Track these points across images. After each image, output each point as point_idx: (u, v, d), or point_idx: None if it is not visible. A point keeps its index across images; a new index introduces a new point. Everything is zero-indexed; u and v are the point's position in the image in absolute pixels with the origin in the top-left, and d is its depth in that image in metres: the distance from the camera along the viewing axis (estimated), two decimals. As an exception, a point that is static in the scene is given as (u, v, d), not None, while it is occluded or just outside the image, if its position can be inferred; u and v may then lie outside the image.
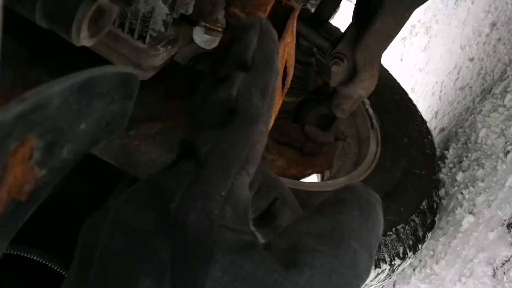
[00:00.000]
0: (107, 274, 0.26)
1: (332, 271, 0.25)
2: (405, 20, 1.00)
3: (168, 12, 0.44)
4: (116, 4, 0.40)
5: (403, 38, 2.44)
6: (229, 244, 0.25)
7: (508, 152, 1.15)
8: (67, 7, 0.41)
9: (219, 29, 0.77)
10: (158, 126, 0.51)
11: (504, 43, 1.46)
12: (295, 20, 0.44)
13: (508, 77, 1.32)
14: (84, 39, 0.42)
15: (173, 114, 0.52)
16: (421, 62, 2.09)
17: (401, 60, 2.30)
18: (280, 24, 0.41)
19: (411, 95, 1.65)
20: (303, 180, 1.34)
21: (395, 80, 1.63)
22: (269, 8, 0.40)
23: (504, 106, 1.26)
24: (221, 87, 0.30)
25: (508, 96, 1.25)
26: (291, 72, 0.46)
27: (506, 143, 1.17)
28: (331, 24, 1.66)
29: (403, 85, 1.65)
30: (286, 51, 0.42)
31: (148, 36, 0.48)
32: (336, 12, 1.40)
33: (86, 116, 0.27)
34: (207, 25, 0.75)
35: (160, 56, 0.48)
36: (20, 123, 0.23)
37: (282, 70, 0.43)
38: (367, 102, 1.49)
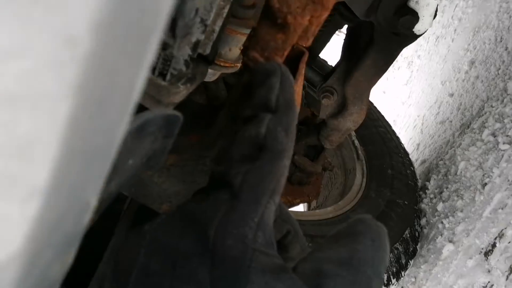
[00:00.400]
0: None
1: None
2: (393, 58, 1.08)
3: (191, 53, 0.48)
4: None
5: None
6: (263, 266, 0.29)
7: (486, 184, 1.21)
8: None
9: (222, 64, 0.83)
10: (173, 158, 0.54)
11: (482, 81, 1.55)
12: (305, 63, 0.49)
13: (485, 113, 1.40)
14: None
15: (187, 147, 0.56)
16: (403, 95, 2.18)
17: (384, 92, 2.39)
18: (291, 67, 0.46)
19: (393, 127, 1.73)
20: (290, 209, 1.39)
21: (380, 112, 1.71)
22: (286, 53, 0.45)
23: (482, 140, 1.33)
24: (251, 125, 0.34)
25: (486, 131, 1.33)
26: (299, 108, 0.51)
27: (483, 175, 1.24)
28: (319, 57, 1.73)
29: (386, 117, 1.73)
30: (297, 91, 0.46)
31: (169, 74, 0.51)
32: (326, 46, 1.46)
33: (135, 153, 0.31)
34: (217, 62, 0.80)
35: (181, 94, 0.51)
36: None
37: None
38: (353, 134, 1.56)
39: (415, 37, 0.96)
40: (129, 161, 0.32)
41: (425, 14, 0.90)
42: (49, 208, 0.17)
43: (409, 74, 2.21)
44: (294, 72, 0.44)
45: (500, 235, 1.07)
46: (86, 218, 0.21)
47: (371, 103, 1.72)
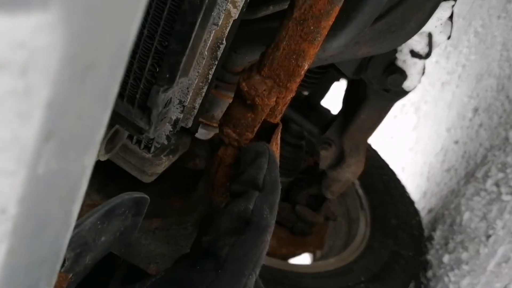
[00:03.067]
0: None
1: None
2: (386, 112, 1.09)
3: (171, 129, 0.52)
4: (130, 132, 0.48)
5: (394, 117, 2.55)
6: None
7: (490, 236, 1.19)
8: None
9: (214, 125, 0.86)
10: (157, 222, 0.58)
11: (485, 129, 1.55)
12: (279, 135, 0.51)
13: (489, 162, 1.39)
14: (101, 156, 0.50)
15: (171, 211, 0.59)
16: (410, 141, 2.17)
17: (392, 138, 2.39)
18: (265, 137, 0.49)
19: (401, 174, 1.72)
20: (292, 260, 1.38)
21: (384, 160, 1.71)
22: (256, 129, 0.48)
23: (486, 190, 1.32)
24: (240, 201, 0.37)
25: (489, 181, 1.32)
26: None
27: (487, 227, 1.22)
28: (321, 105, 1.76)
29: (393, 164, 1.72)
30: None
31: (153, 147, 0.55)
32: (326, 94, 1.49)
33: (106, 232, 0.35)
34: (204, 121, 0.84)
35: (163, 165, 0.55)
36: None
37: None
38: (357, 182, 1.56)
39: (405, 93, 0.98)
40: (102, 238, 0.35)
41: (413, 72, 0.92)
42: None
43: (416, 120, 2.21)
44: (267, 142, 0.47)
45: (504, 291, 1.04)
46: None
47: (376, 151, 1.72)
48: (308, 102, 1.43)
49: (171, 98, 0.46)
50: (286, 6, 0.77)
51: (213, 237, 0.36)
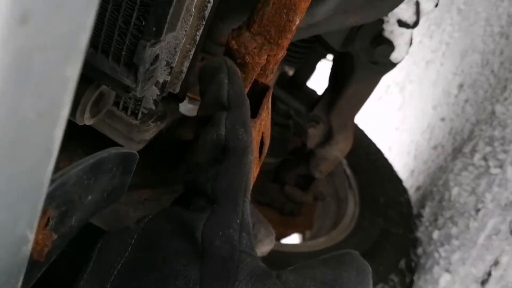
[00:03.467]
0: (130, 285, 0.29)
1: None
2: (374, 85, 1.07)
3: (159, 93, 0.49)
4: (116, 91, 0.45)
5: (379, 98, 2.55)
6: (249, 269, 0.30)
7: (479, 210, 1.19)
8: (75, 93, 0.46)
9: (198, 98, 0.82)
10: (147, 193, 0.55)
11: (471, 104, 1.54)
12: (270, 98, 0.49)
13: (476, 136, 1.39)
14: (86, 120, 0.47)
15: (161, 181, 0.56)
16: (396, 121, 2.17)
17: (378, 119, 2.38)
18: (256, 102, 0.46)
19: (388, 154, 1.71)
20: (282, 241, 1.36)
21: (371, 140, 1.69)
22: (246, 90, 0.45)
23: (474, 165, 1.31)
24: (209, 128, 0.34)
25: (477, 156, 1.31)
26: (267, 142, 0.50)
27: (476, 201, 1.22)
28: (307, 86, 1.74)
29: (380, 144, 1.71)
30: (263, 124, 0.46)
31: (140, 113, 0.52)
32: (313, 74, 1.47)
33: (93, 189, 0.32)
34: (191, 95, 0.81)
35: (151, 131, 0.52)
36: (47, 199, 0.27)
37: (260, 141, 0.47)
38: (345, 162, 1.54)
39: (393, 65, 0.96)
40: (88, 197, 0.32)
41: (400, 43, 0.90)
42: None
43: (402, 100, 2.21)
44: (258, 107, 0.44)
45: (495, 263, 1.04)
46: (26, 250, 0.22)
47: (362, 131, 1.71)
48: (294, 82, 1.40)
49: (158, 54, 0.43)
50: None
51: (194, 175, 0.34)
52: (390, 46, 0.90)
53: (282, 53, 0.45)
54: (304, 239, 1.50)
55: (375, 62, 0.95)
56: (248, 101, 0.37)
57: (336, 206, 1.49)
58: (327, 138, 1.20)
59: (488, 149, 1.28)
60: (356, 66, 1.01)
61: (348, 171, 1.54)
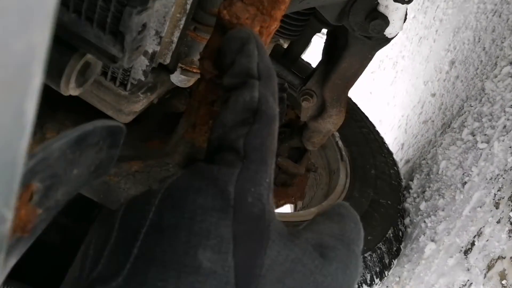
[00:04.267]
0: (157, 248, 0.28)
1: (347, 267, 0.32)
2: (368, 61, 1.09)
3: (148, 64, 0.49)
4: (102, 61, 0.45)
5: (372, 72, 2.56)
6: (278, 228, 0.30)
7: (465, 183, 1.23)
8: (58, 62, 0.46)
9: (194, 70, 0.84)
10: (137, 165, 0.55)
11: (462, 81, 1.57)
12: None
13: (465, 112, 1.42)
14: (72, 90, 0.47)
15: (151, 154, 0.57)
16: (388, 96, 2.19)
17: (371, 93, 2.41)
18: None
19: (379, 128, 1.74)
20: (275, 211, 1.40)
21: (363, 113, 1.72)
22: None
23: (462, 139, 1.35)
24: (243, 91, 0.34)
25: (465, 131, 1.35)
26: None
27: (463, 174, 1.26)
28: (302, 59, 1.75)
29: (372, 118, 1.74)
30: None
31: (129, 84, 0.52)
32: (307, 48, 1.48)
33: (78, 163, 0.32)
34: (183, 66, 0.82)
35: (140, 103, 0.52)
36: (28, 173, 0.28)
37: None
38: (337, 135, 1.57)
39: (387, 40, 0.97)
40: (74, 171, 0.32)
41: (395, 18, 0.91)
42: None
43: (394, 75, 2.23)
44: None
45: (479, 234, 1.08)
46: (4, 228, 0.21)
47: (355, 104, 1.73)
48: (288, 55, 1.41)
49: (146, 23, 0.42)
50: None
51: (221, 133, 0.33)
52: (384, 20, 0.92)
53: (275, 25, 0.45)
54: (296, 209, 1.54)
55: (369, 37, 0.97)
56: (275, 74, 0.38)
57: (327, 178, 1.53)
58: (320, 111, 1.23)
59: (476, 124, 1.32)
60: (350, 41, 1.02)
61: (340, 143, 1.57)
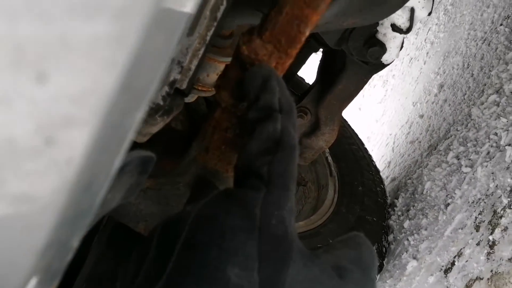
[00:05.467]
0: (190, 263, 0.31)
1: None
2: (364, 84, 1.14)
3: (168, 90, 0.52)
4: None
5: (362, 89, 2.62)
6: (299, 249, 0.33)
7: (448, 204, 1.28)
8: None
9: (199, 88, 0.87)
10: (149, 182, 0.58)
11: (450, 105, 1.63)
12: None
13: (451, 136, 1.48)
14: None
15: (163, 172, 0.60)
16: (377, 113, 2.25)
17: (360, 109, 2.46)
18: None
19: (367, 144, 1.79)
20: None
21: (353, 130, 1.77)
22: None
23: (447, 162, 1.40)
24: (267, 124, 0.38)
25: (451, 154, 1.40)
26: None
27: (446, 196, 1.31)
28: (297, 75, 1.79)
29: (360, 134, 1.79)
30: None
31: (148, 108, 0.56)
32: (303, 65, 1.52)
33: (114, 188, 0.35)
34: (196, 86, 0.85)
35: (157, 125, 0.55)
36: None
37: None
38: (327, 150, 1.61)
39: (383, 66, 1.02)
40: (108, 195, 0.35)
41: (392, 46, 0.96)
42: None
43: (384, 93, 2.28)
44: None
45: (459, 254, 1.13)
46: (69, 257, 0.24)
47: (345, 121, 1.78)
48: (285, 73, 1.45)
49: (173, 58, 0.46)
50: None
51: (248, 161, 0.37)
52: (382, 48, 0.97)
53: (289, 61, 0.48)
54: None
55: (367, 62, 1.01)
56: (295, 106, 0.42)
57: (316, 192, 1.57)
58: (314, 128, 1.27)
59: (462, 148, 1.37)
60: (347, 64, 1.07)
61: (330, 159, 1.61)
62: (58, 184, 0.19)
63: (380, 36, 0.97)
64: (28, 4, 0.15)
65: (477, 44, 1.68)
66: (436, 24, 2.18)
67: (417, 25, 2.44)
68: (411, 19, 0.90)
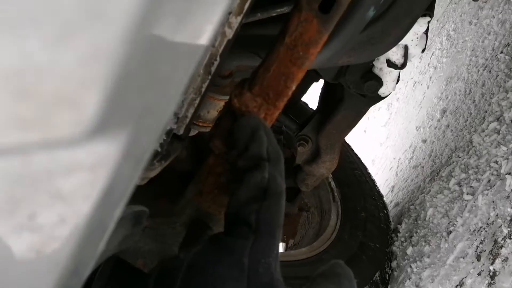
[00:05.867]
0: None
1: None
2: (362, 115, 1.16)
3: (165, 138, 0.55)
4: None
5: (367, 112, 2.64)
6: None
7: (450, 232, 1.28)
8: None
9: (200, 124, 0.90)
10: (148, 221, 0.61)
11: (452, 130, 1.64)
12: None
13: (453, 162, 1.49)
14: None
15: (161, 212, 0.63)
16: (381, 136, 2.26)
17: (365, 131, 2.48)
18: None
19: (371, 168, 1.81)
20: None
21: (356, 155, 1.79)
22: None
23: (449, 189, 1.41)
24: (254, 173, 0.41)
25: (452, 180, 1.41)
26: None
27: (449, 223, 1.32)
28: (300, 100, 1.82)
29: (365, 157, 1.81)
30: None
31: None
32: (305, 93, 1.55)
33: (109, 242, 0.38)
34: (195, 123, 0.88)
35: (155, 170, 0.58)
36: None
37: None
38: (330, 176, 1.63)
39: (380, 98, 1.04)
40: (104, 247, 0.38)
41: (388, 80, 0.98)
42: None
43: (388, 116, 2.30)
44: None
45: (461, 284, 1.13)
46: None
47: (348, 145, 1.80)
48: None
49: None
50: (273, 14, 0.82)
51: (237, 208, 0.40)
52: (378, 82, 0.99)
53: (277, 113, 0.52)
54: (287, 246, 1.58)
55: (364, 95, 1.04)
56: (282, 154, 0.45)
57: (319, 217, 1.58)
58: (315, 156, 1.29)
59: (463, 175, 1.38)
60: (345, 96, 1.09)
61: (333, 184, 1.63)
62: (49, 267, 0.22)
63: (376, 71, 0.99)
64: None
65: (478, 71, 1.70)
66: (439, 49, 2.20)
67: (421, 49, 2.47)
68: (405, 55, 0.92)
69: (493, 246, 1.09)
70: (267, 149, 0.43)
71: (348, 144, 1.79)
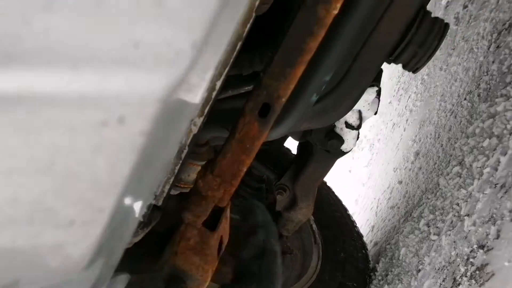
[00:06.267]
0: None
1: None
2: (330, 166, 1.29)
3: (146, 211, 0.68)
4: None
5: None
6: None
7: (419, 270, 1.39)
8: None
9: (181, 186, 1.03)
10: (133, 278, 0.73)
11: (423, 173, 1.76)
12: (228, 213, 0.69)
13: (423, 203, 1.60)
14: None
15: (144, 269, 0.75)
16: (364, 176, 2.39)
17: (350, 171, 2.60)
18: (216, 218, 0.67)
19: (354, 207, 1.92)
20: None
21: (337, 197, 1.90)
22: (208, 212, 0.65)
23: (419, 229, 1.52)
24: (253, 237, 0.56)
25: (422, 221, 1.52)
26: (225, 241, 0.70)
27: (418, 262, 1.42)
28: (283, 146, 1.95)
29: (349, 197, 1.92)
30: (221, 231, 0.66)
31: None
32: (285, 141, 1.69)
33: None
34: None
35: (139, 236, 0.70)
36: None
37: (218, 243, 0.67)
38: (312, 218, 1.74)
39: (343, 153, 1.17)
40: None
41: (348, 138, 1.11)
42: None
43: (370, 157, 2.43)
44: (217, 222, 0.65)
45: (427, 319, 1.23)
46: None
47: (329, 188, 1.92)
48: (266, 152, 1.61)
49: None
50: (242, 91, 0.96)
51: (243, 264, 0.53)
52: (340, 140, 1.12)
53: (234, 189, 0.66)
54: None
55: (328, 151, 1.17)
56: (272, 220, 0.60)
57: (302, 259, 1.68)
58: (292, 204, 1.41)
59: (431, 216, 1.50)
60: (314, 151, 1.22)
61: (315, 226, 1.74)
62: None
63: (338, 130, 1.12)
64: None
65: (446, 116, 1.84)
66: (415, 92, 2.35)
67: (399, 92, 2.62)
68: (360, 118, 1.06)
69: (452, 283, 1.20)
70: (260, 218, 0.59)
71: (329, 187, 1.91)
